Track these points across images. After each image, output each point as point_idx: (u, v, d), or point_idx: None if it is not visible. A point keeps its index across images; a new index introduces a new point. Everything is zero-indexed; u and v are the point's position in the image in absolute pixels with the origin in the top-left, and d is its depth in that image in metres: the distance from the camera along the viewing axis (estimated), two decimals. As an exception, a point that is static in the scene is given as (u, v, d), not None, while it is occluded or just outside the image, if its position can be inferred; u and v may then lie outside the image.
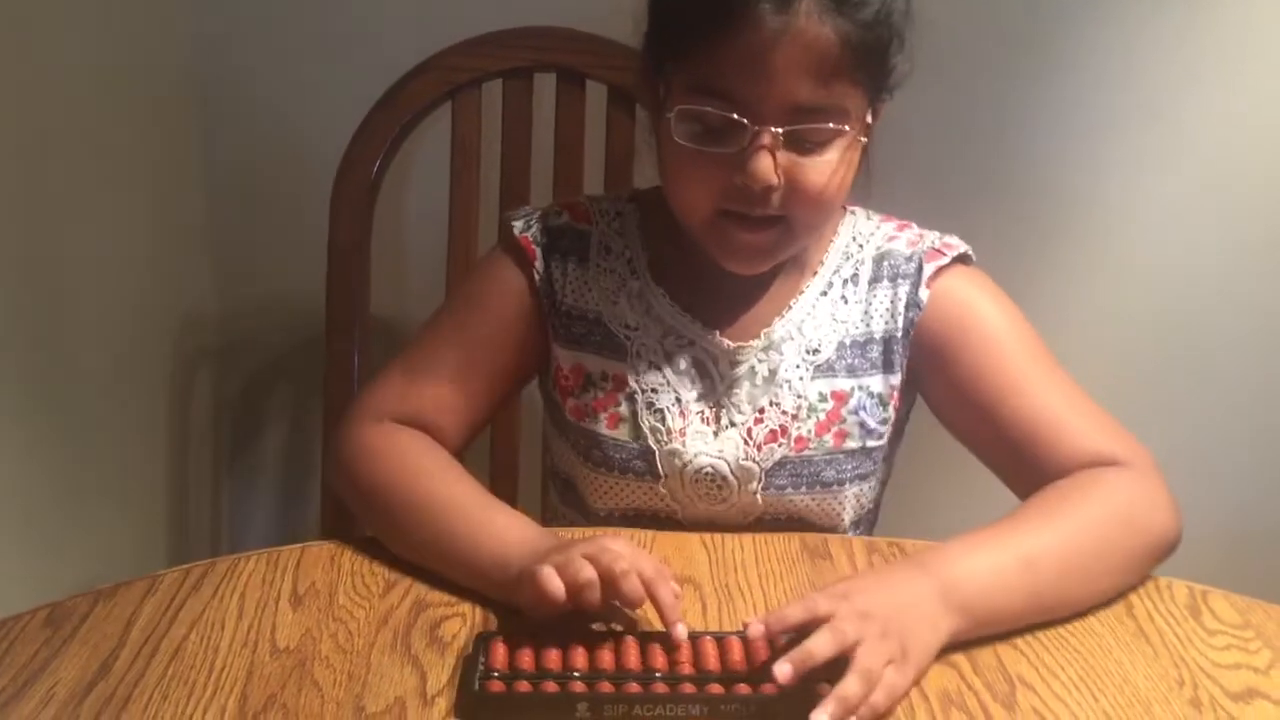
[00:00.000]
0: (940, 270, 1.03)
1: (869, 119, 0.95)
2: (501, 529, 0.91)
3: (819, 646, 0.76)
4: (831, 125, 0.91)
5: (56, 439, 1.29)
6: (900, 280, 1.03)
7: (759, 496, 1.03)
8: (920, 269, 1.03)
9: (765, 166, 0.90)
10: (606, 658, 0.80)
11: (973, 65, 1.52)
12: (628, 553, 0.84)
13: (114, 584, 0.90)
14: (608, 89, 1.35)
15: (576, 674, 0.79)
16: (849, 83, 0.91)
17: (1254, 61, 1.52)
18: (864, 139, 0.94)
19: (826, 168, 0.92)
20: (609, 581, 0.81)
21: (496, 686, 0.78)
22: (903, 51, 0.93)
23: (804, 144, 0.91)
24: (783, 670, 0.75)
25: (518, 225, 1.06)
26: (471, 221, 1.37)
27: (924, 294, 1.02)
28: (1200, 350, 1.64)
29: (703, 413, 1.02)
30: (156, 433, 1.57)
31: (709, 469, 1.02)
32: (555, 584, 0.81)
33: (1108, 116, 1.55)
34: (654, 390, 1.02)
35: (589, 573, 0.81)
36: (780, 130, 0.90)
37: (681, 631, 0.81)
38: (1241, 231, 1.59)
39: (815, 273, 1.04)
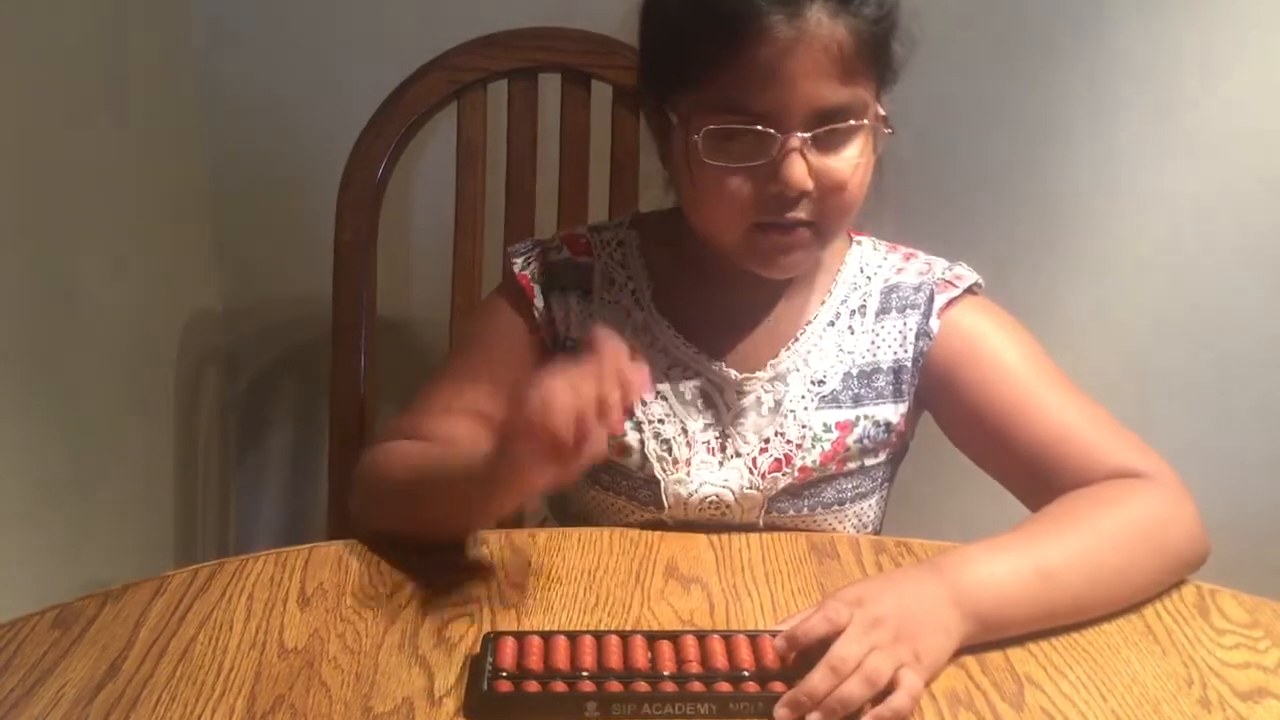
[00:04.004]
0: (951, 301, 1.03)
1: (880, 110, 0.95)
2: (460, 448, 0.93)
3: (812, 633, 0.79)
4: (853, 122, 0.92)
5: (64, 440, 1.29)
6: (910, 310, 1.03)
7: (760, 520, 1.03)
8: (931, 299, 1.03)
9: (799, 172, 0.91)
10: (614, 657, 0.80)
11: (979, 62, 1.52)
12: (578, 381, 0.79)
13: (122, 585, 0.90)
14: (613, 89, 1.35)
15: (585, 673, 0.79)
16: (863, 77, 0.92)
17: (1262, 56, 1.52)
18: (888, 130, 0.95)
19: (852, 163, 0.93)
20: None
21: (504, 686, 0.78)
22: (897, 38, 0.94)
23: (829, 143, 0.92)
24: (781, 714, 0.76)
25: (517, 264, 1.06)
26: (477, 221, 1.37)
27: (934, 324, 1.02)
28: (1208, 346, 1.64)
29: (709, 442, 1.02)
30: (164, 433, 1.57)
31: (713, 497, 1.02)
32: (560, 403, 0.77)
33: (1114, 112, 1.55)
34: (660, 420, 1.02)
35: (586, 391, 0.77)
36: (808, 135, 0.90)
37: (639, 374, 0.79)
38: (1250, 228, 1.58)
39: (823, 302, 1.04)
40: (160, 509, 1.57)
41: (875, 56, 0.92)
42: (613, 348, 0.79)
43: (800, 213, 0.93)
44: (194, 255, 1.64)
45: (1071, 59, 1.53)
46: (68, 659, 0.82)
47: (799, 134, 0.90)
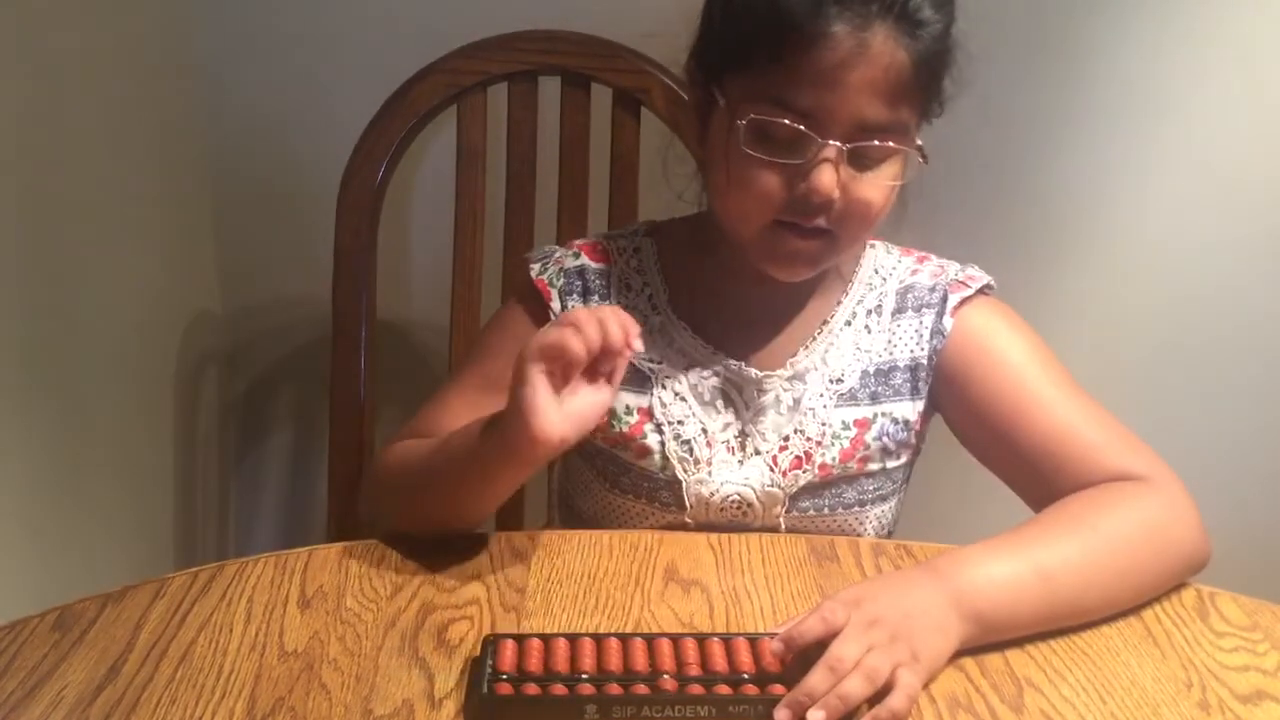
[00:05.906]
0: (964, 301, 1.04)
1: (918, 140, 0.96)
2: (483, 420, 0.93)
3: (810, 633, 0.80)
4: (893, 144, 0.93)
5: (64, 442, 1.29)
6: (925, 310, 1.05)
7: (781, 520, 1.04)
8: (945, 299, 1.04)
9: (828, 180, 0.91)
10: (614, 659, 0.80)
11: (977, 63, 1.52)
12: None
13: (122, 587, 0.90)
14: (613, 92, 1.35)
15: (584, 676, 0.79)
16: (909, 104, 0.93)
17: (1261, 58, 1.52)
18: (923, 159, 0.95)
19: (881, 184, 0.94)
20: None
21: (504, 689, 0.78)
22: (950, 75, 0.96)
23: (864, 160, 0.93)
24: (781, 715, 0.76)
25: (535, 269, 1.06)
26: (477, 224, 1.37)
27: (948, 322, 1.04)
28: (1207, 348, 1.64)
29: (728, 441, 1.03)
30: (164, 436, 1.57)
31: (735, 496, 1.03)
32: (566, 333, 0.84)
33: (1114, 114, 1.55)
34: (680, 422, 1.03)
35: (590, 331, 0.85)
36: (846, 146, 0.91)
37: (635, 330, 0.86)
38: (1248, 230, 1.58)
39: (839, 302, 1.05)
40: (160, 510, 1.57)
41: (927, 85, 0.93)
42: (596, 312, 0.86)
43: (820, 220, 0.94)
44: (194, 257, 1.64)
45: (1069, 60, 1.53)
46: (68, 661, 0.82)
47: (837, 143, 0.91)
